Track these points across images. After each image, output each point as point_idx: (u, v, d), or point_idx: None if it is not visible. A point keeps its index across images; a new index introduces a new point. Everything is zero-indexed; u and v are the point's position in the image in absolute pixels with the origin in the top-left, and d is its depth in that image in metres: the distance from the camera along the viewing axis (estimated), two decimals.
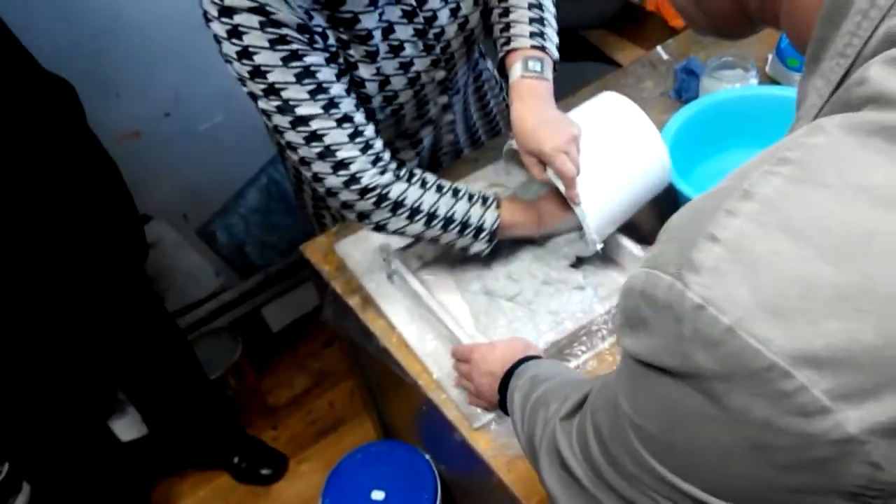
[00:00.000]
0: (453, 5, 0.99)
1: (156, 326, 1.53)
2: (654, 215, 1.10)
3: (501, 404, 0.78)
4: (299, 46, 0.86)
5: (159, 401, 1.65)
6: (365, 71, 0.96)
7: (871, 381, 0.30)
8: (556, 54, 1.00)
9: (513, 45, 0.98)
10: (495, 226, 0.98)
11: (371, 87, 0.97)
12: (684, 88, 1.31)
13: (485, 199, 0.99)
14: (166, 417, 1.69)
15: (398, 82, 1.00)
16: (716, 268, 0.32)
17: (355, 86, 0.96)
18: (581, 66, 1.91)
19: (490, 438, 0.89)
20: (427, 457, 1.37)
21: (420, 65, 1.00)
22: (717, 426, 0.34)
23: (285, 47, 0.85)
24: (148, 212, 1.74)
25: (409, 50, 0.98)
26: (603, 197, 0.94)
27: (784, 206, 0.32)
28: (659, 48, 1.45)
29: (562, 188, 0.92)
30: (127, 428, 1.70)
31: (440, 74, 1.05)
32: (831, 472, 0.32)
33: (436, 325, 1.00)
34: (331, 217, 1.31)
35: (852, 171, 0.32)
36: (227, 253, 1.95)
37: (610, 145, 0.95)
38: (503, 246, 1.08)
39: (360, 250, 1.13)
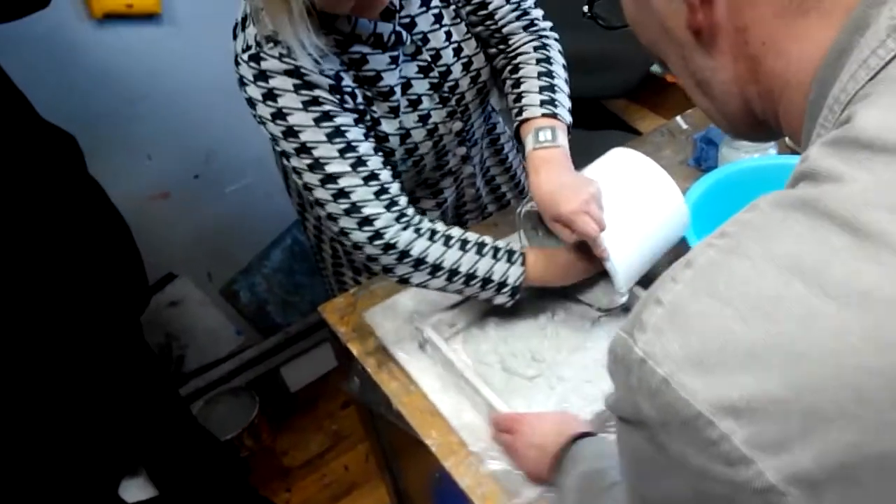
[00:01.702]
0: (465, 60, 1.04)
1: (156, 385, 1.52)
2: None
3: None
4: (331, 108, 0.90)
5: (165, 461, 1.63)
6: (388, 126, 0.99)
7: (783, 433, 0.33)
8: (568, 118, 1.01)
9: (524, 115, 1.01)
10: (519, 281, 0.98)
11: (394, 141, 1.01)
12: (703, 157, 1.32)
13: (510, 254, 0.99)
14: (174, 478, 1.67)
15: (418, 135, 1.03)
16: (656, 326, 0.36)
17: (378, 141, 1.00)
18: (602, 135, 1.94)
19: None
20: None
21: (437, 116, 1.04)
22: (668, 476, 0.37)
23: (317, 108, 0.89)
24: (173, 270, 1.77)
25: (426, 103, 1.02)
26: (629, 249, 0.95)
27: (712, 273, 0.36)
28: (678, 118, 1.47)
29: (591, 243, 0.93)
30: (138, 489, 1.68)
31: (457, 126, 1.08)
32: None
33: (470, 395, 0.97)
34: (351, 278, 1.32)
35: (769, 242, 0.36)
36: (249, 312, 1.96)
37: (629, 198, 0.97)
38: (518, 319, 1.08)
39: (388, 319, 1.11)
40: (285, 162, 0.94)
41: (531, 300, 1.10)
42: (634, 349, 0.37)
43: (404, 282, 0.99)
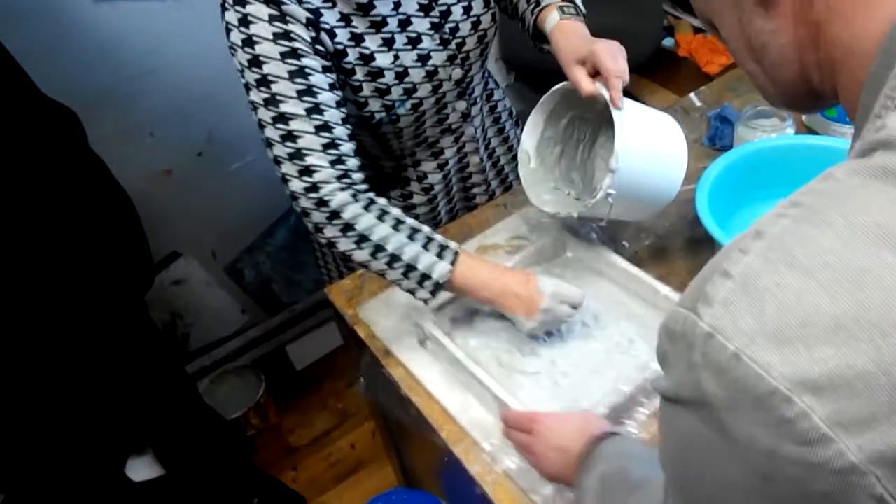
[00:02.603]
0: (466, 3, 1.04)
1: (162, 363, 1.51)
2: (689, 264, 1.08)
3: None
4: (301, 46, 0.89)
5: (172, 440, 1.63)
6: (383, 60, 0.98)
7: (868, 409, 0.31)
8: (583, 10, 1.05)
9: (544, 3, 1.04)
10: (443, 280, 0.94)
11: (389, 77, 0.99)
12: (718, 136, 1.29)
13: (442, 249, 0.95)
14: (180, 457, 1.67)
15: (416, 75, 1.02)
16: (726, 299, 0.34)
17: (373, 77, 0.98)
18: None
19: (514, 498, 0.85)
20: None
21: (437, 59, 1.03)
22: (725, 461, 0.35)
23: (287, 44, 0.89)
24: (177, 249, 1.75)
25: (426, 42, 1.01)
26: (636, 127, 0.94)
27: (789, 243, 0.34)
28: (692, 95, 1.43)
29: (607, 96, 0.92)
30: (145, 468, 1.69)
31: (457, 73, 1.07)
32: None
33: (478, 392, 0.94)
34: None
35: (852, 211, 0.34)
36: (254, 290, 1.95)
37: (651, 124, 0.98)
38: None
39: (383, 316, 1.08)
40: (246, 96, 0.92)
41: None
42: (700, 324, 0.35)
43: (332, 246, 0.95)
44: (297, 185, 0.92)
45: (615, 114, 0.91)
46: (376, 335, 1.07)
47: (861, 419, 0.31)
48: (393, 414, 1.04)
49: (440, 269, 0.94)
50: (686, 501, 0.40)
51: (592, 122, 1.09)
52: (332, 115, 0.91)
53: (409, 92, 1.02)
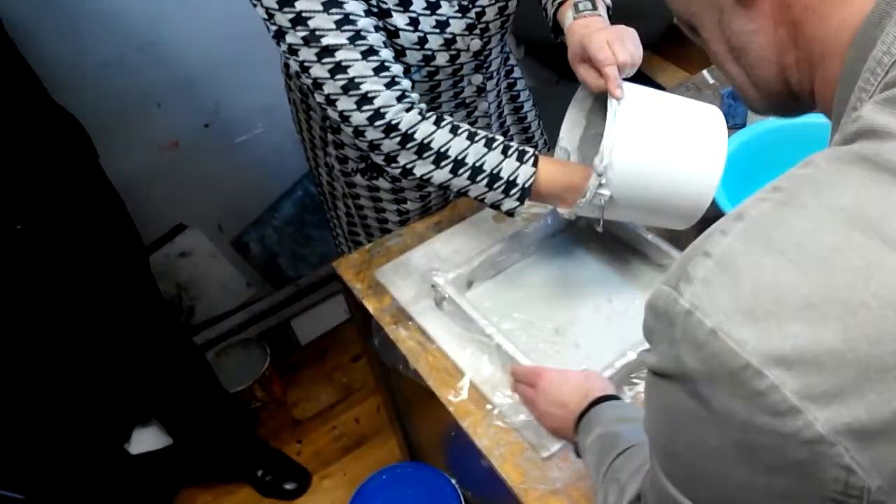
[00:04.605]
0: None
1: (170, 341, 1.53)
2: None
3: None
4: None
5: (177, 412, 1.65)
6: (399, 19, 0.95)
7: (836, 383, 0.32)
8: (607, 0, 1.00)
9: None
10: (528, 183, 0.92)
11: (405, 38, 0.97)
12: (731, 114, 1.28)
13: (522, 153, 0.93)
14: (186, 428, 1.68)
15: (435, 42, 0.99)
16: (705, 278, 0.36)
17: (389, 35, 0.96)
18: None
19: (523, 472, 0.86)
20: (453, 481, 1.34)
21: (456, 27, 1.00)
22: (708, 429, 0.37)
23: None
24: (183, 221, 1.75)
25: (444, 8, 0.99)
26: (643, 117, 0.85)
27: (767, 225, 0.36)
28: (705, 72, 1.42)
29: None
30: (151, 438, 1.70)
31: (475, 43, 1.04)
32: (810, 476, 0.34)
33: (490, 350, 0.95)
34: (365, 234, 1.29)
35: (827, 194, 0.35)
36: (260, 264, 1.95)
37: (678, 118, 0.88)
38: (534, 282, 1.04)
39: (401, 277, 1.09)
40: (281, 47, 0.90)
41: (550, 263, 1.08)
42: (680, 301, 0.36)
43: (407, 173, 0.94)
44: (359, 117, 0.90)
45: (610, 106, 0.85)
46: (393, 296, 1.07)
47: (829, 393, 0.33)
48: (402, 377, 1.05)
49: (525, 174, 0.92)
50: (669, 467, 0.42)
51: None
52: (375, 38, 0.90)
53: (427, 59, 1.00)
